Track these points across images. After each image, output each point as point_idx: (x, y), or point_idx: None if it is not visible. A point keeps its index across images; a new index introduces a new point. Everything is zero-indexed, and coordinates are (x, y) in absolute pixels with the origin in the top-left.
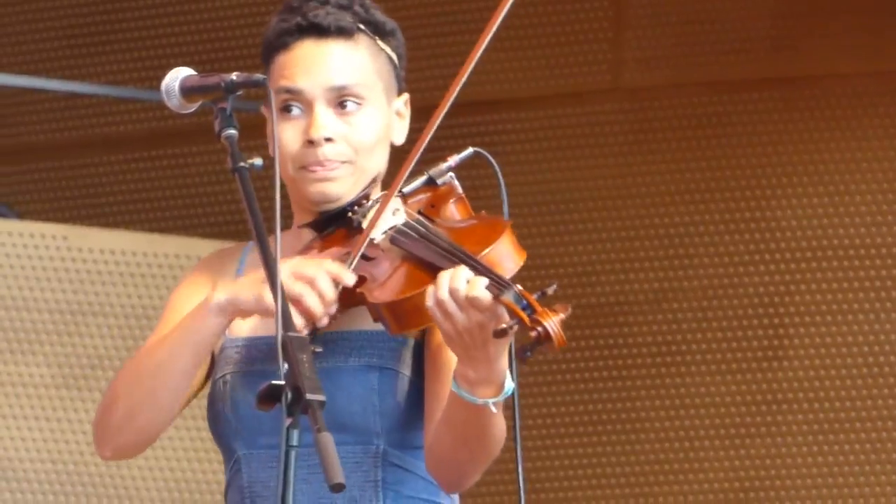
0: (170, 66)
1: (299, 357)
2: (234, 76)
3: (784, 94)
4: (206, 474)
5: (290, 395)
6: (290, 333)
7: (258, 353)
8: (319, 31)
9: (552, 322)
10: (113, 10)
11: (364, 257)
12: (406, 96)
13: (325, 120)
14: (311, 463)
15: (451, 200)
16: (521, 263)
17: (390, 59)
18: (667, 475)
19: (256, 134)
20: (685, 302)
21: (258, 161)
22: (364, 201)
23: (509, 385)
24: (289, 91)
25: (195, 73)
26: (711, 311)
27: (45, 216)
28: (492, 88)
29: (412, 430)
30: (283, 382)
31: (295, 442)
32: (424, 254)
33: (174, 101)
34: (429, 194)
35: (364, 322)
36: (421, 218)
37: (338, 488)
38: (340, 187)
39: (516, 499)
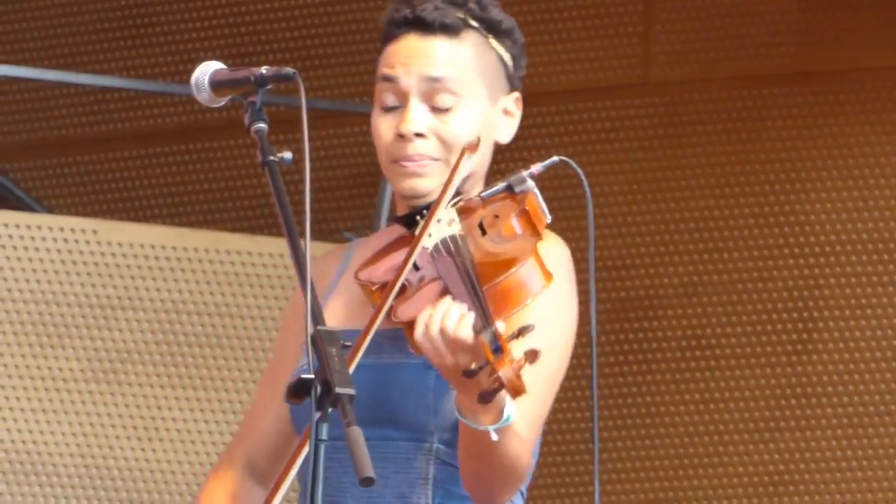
0: (200, 61)
1: (329, 351)
2: (263, 70)
3: (814, 88)
4: None
5: (319, 389)
6: (320, 327)
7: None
8: (424, 25)
9: (507, 370)
10: (143, 5)
11: (415, 266)
12: (516, 95)
13: (417, 115)
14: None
15: (514, 213)
16: (545, 289)
17: (500, 57)
18: (696, 468)
19: (286, 128)
20: (715, 296)
21: (288, 155)
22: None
23: (509, 412)
24: (386, 79)
25: (225, 67)
26: (741, 305)
27: (75, 210)
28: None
29: None
30: (312, 376)
31: (324, 436)
32: (445, 274)
33: (204, 96)
34: (505, 202)
35: None
36: (464, 234)
37: (367, 482)
38: (429, 183)
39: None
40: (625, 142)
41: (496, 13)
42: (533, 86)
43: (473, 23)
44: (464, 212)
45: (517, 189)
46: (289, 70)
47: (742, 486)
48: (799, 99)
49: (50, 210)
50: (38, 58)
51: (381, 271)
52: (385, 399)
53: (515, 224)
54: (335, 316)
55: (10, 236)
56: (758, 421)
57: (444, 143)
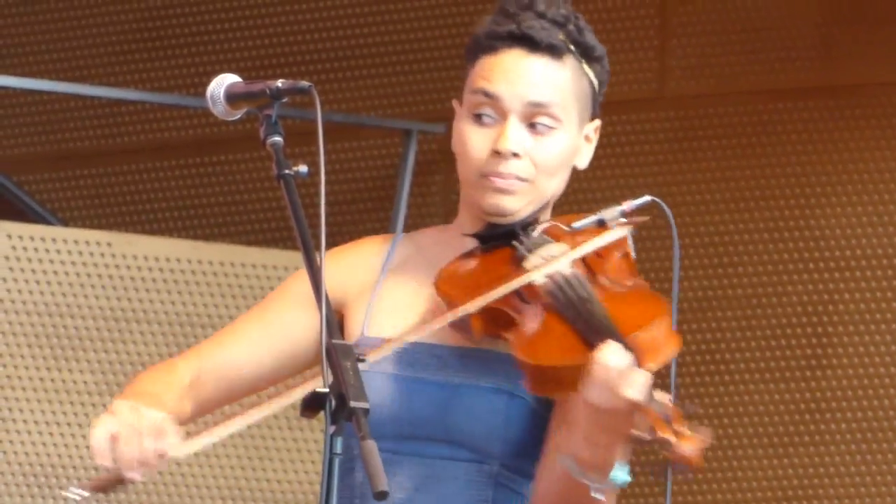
0: (215, 73)
1: (344, 364)
2: (279, 83)
3: (829, 103)
4: (250, 481)
5: (334, 403)
6: (335, 340)
7: (396, 356)
8: (531, 43)
9: (693, 448)
10: (159, 18)
11: (520, 297)
12: (597, 123)
13: (516, 134)
14: (422, 474)
15: (618, 254)
16: (674, 353)
17: (591, 83)
18: (710, 483)
19: (302, 141)
20: (729, 310)
21: (303, 168)
22: (533, 226)
23: (616, 475)
24: (487, 94)
25: (240, 79)
26: (756, 319)
27: (90, 223)
28: None
29: (528, 457)
30: (327, 390)
31: (339, 450)
32: (577, 321)
33: (219, 108)
34: (596, 234)
35: (498, 343)
36: (582, 274)
37: (381, 496)
38: (516, 203)
39: None
40: (640, 156)
41: (591, 39)
42: None
43: (571, 46)
44: (552, 233)
45: (611, 225)
46: (304, 83)
47: (756, 501)
48: (815, 113)
49: (64, 222)
50: (54, 70)
51: (466, 285)
52: (452, 421)
53: (621, 266)
54: (385, 324)
55: (25, 248)
56: (772, 435)
57: (537, 166)
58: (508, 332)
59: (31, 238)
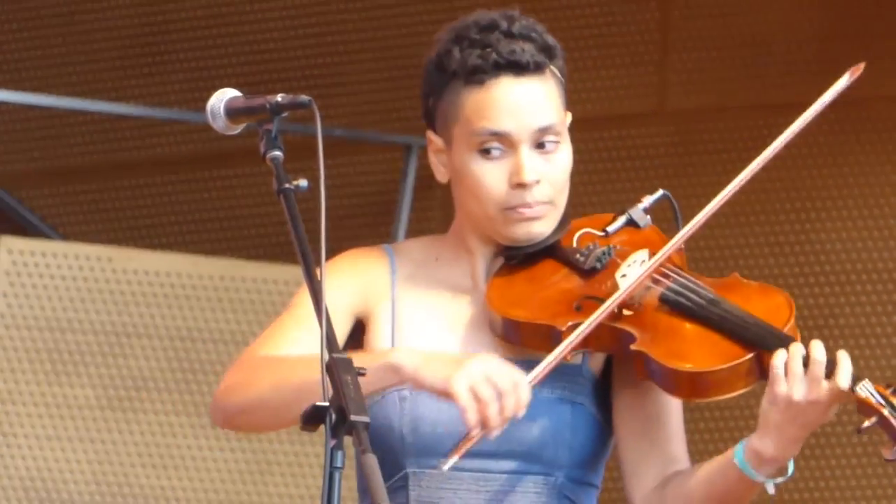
0: (215, 88)
1: (345, 379)
2: (279, 98)
3: (829, 117)
4: (251, 496)
5: (334, 417)
6: (335, 355)
7: None
8: (517, 68)
9: None
10: (159, 33)
11: (619, 310)
12: (569, 116)
13: (532, 163)
14: (485, 490)
15: (677, 252)
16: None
17: (562, 83)
18: None
19: (302, 156)
20: None
21: (304, 182)
22: (591, 245)
23: (791, 467)
24: (494, 134)
25: (240, 94)
26: None
27: (90, 237)
28: None
29: (591, 466)
30: (327, 404)
31: (339, 464)
32: (717, 322)
33: (219, 123)
34: (629, 236)
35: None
36: (693, 279)
37: None
38: (545, 227)
39: None
40: (640, 170)
41: (549, 37)
42: None
43: (541, 55)
44: (589, 240)
45: (641, 223)
46: (304, 98)
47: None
48: (814, 127)
49: (65, 237)
50: (54, 85)
51: (545, 305)
52: (517, 433)
53: (681, 261)
54: (419, 337)
55: (26, 263)
56: None
57: (553, 185)
58: (627, 343)
59: (32, 253)
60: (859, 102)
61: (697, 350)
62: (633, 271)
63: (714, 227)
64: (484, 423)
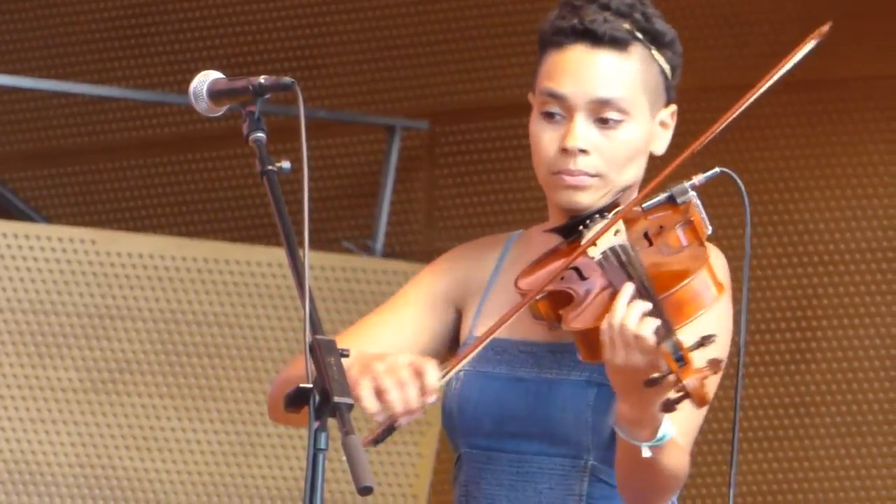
0: (198, 70)
1: (328, 360)
2: (262, 79)
3: (812, 98)
4: (235, 478)
5: (318, 399)
6: (319, 336)
7: (495, 355)
8: (593, 38)
9: (693, 380)
10: (142, 15)
11: (578, 274)
12: (673, 108)
13: (582, 130)
14: (519, 471)
15: (679, 224)
16: (717, 300)
17: (662, 70)
18: (693, 478)
19: (285, 137)
20: None
21: (287, 164)
22: (605, 213)
23: (665, 432)
24: (552, 95)
25: (223, 76)
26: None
27: (74, 220)
28: (520, 92)
29: None
30: (310, 385)
31: (323, 445)
32: (617, 285)
33: (202, 105)
34: (667, 212)
35: None
36: (631, 244)
37: (365, 491)
38: (588, 198)
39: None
40: None
41: (661, 24)
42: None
43: (639, 35)
44: (626, 222)
45: (679, 200)
46: (287, 80)
47: (741, 495)
48: (797, 108)
49: (49, 220)
50: (37, 67)
51: (542, 281)
52: (544, 415)
53: (681, 235)
54: (490, 321)
55: (9, 246)
56: (756, 430)
57: (606, 160)
58: (563, 311)
59: (16, 236)
60: (843, 83)
61: (594, 311)
62: (600, 240)
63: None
64: (387, 409)
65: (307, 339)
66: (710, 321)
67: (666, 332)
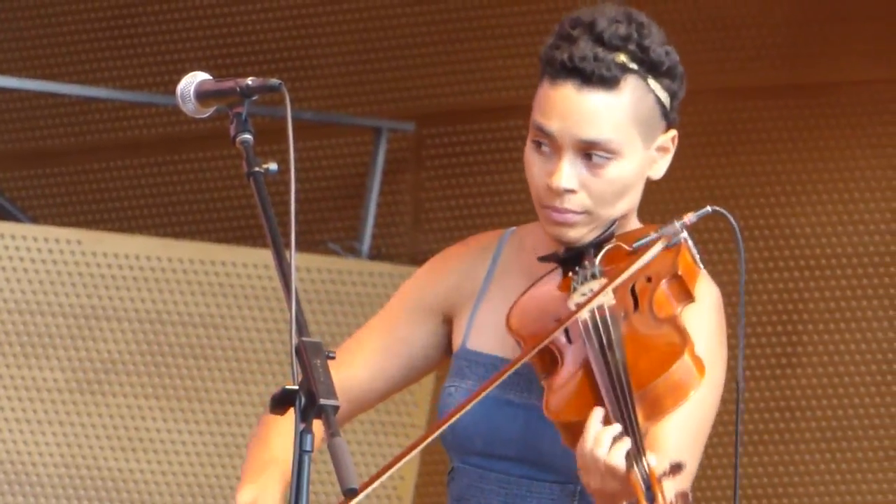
0: (186, 71)
1: (314, 362)
2: (249, 81)
3: (800, 101)
4: (220, 478)
5: (303, 400)
6: (305, 338)
7: (486, 373)
8: (583, 76)
9: None
10: (129, 15)
11: (567, 336)
12: (672, 133)
13: (568, 171)
14: (508, 492)
15: (667, 279)
16: (699, 384)
17: (658, 99)
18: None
19: (272, 139)
20: None
21: (273, 166)
22: (603, 246)
23: None
24: (542, 130)
25: (210, 77)
26: (726, 318)
27: (60, 220)
28: (507, 95)
29: None
30: (296, 387)
31: (308, 447)
32: (596, 367)
33: (189, 106)
34: (658, 259)
35: None
36: (615, 313)
37: (350, 493)
38: (577, 233)
39: None
40: None
41: (657, 53)
42: (519, 98)
43: (633, 66)
44: (613, 260)
45: (672, 240)
46: (274, 81)
47: (727, 500)
48: (785, 112)
49: (34, 220)
50: (23, 67)
51: (530, 321)
52: (536, 443)
53: (668, 294)
54: (486, 338)
55: None
56: (742, 434)
57: (593, 197)
58: (546, 378)
59: (1, 236)
60: (829, 87)
61: (565, 397)
62: (582, 300)
63: (682, 210)
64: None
65: (293, 340)
66: (699, 395)
67: (636, 454)
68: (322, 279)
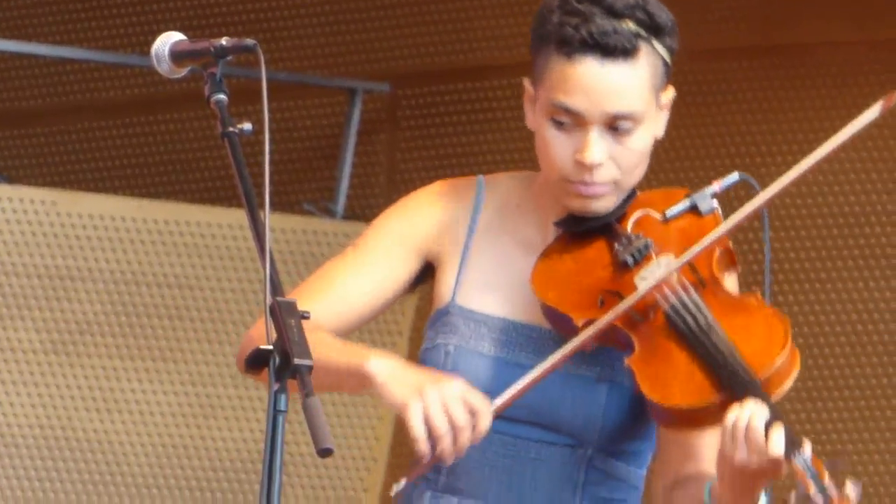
0: (160, 32)
1: (288, 322)
2: (223, 41)
3: (776, 62)
4: (195, 439)
5: (278, 360)
6: (279, 298)
7: (489, 332)
8: (605, 51)
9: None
10: None
11: (631, 314)
12: (671, 90)
13: (599, 145)
14: (516, 455)
15: (720, 249)
16: (795, 376)
17: (663, 59)
18: None
19: (246, 99)
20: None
21: (248, 126)
22: (634, 236)
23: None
24: (567, 109)
25: (185, 38)
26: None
27: (35, 181)
28: (482, 55)
29: (624, 438)
30: (270, 347)
31: (283, 407)
32: (703, 354)
33: (164, 67)
34: (691, 222)
35: None
36: (698, 295)
37: (325, 453)
38: (604, 205)
39: None
40: None
41: (660, 15)
42: (495, 58)
43: (643, 32)
44: (645, 224)
45: (703, 209)
46: (249, 42)
47: None
48: (761, 73)
49: (9, 181)
50: None
51: (572, 293)
52: (552, 408)
53: (721, 263)
54: (479, 296)
55: None
56: None
57: (621, 167)
58: (626, 352)
59: None
60: (805, 48)
61: (675, 380)
62: (652, 276)
63: (657, 172)
64: (436, 455)
65: (267, 300)
66: None
67: (794, 445)
68: (297, 240)
